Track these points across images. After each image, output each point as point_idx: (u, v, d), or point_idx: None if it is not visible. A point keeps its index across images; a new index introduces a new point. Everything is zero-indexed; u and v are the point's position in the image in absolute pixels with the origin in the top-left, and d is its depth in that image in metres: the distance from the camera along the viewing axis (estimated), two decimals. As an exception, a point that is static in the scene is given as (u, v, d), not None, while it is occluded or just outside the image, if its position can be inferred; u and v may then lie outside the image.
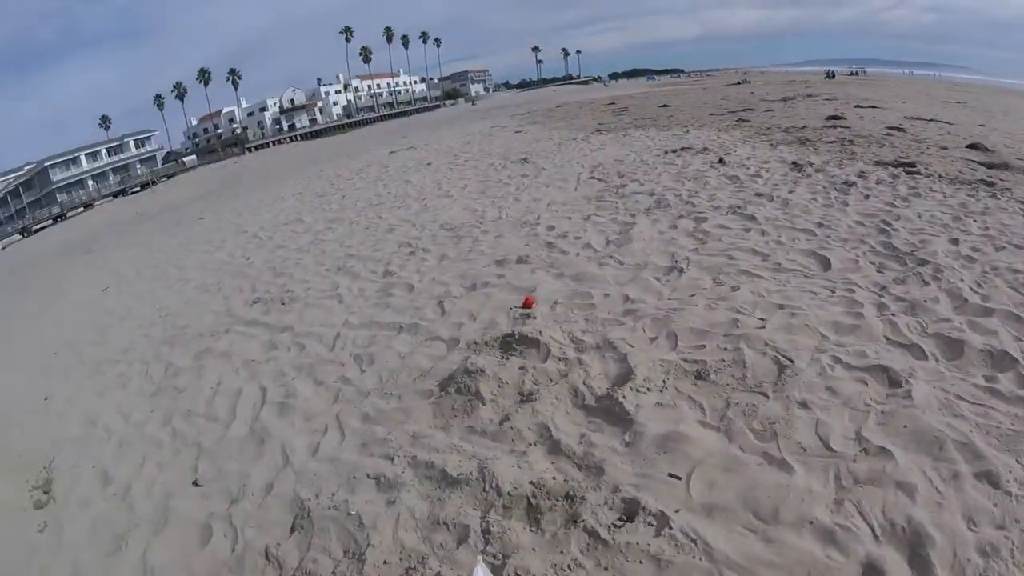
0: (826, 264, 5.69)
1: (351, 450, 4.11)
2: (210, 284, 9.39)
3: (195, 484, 4.09)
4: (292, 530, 3.46)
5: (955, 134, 13.69)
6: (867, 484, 3.13)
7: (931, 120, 16.36)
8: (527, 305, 5.65)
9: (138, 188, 58.60)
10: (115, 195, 57.65)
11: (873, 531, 2.90)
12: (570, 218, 8.60)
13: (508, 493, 3.37)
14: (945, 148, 11.70)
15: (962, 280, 5.11)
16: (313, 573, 3.13)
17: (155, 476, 4.25)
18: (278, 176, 28.39)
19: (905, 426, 3.45)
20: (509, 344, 4.88)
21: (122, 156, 75.48)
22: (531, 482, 3.42)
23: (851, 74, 58.72)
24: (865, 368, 4.01)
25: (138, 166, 74.02)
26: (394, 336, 5.69)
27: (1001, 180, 8.79)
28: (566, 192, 10.42)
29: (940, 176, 8.94)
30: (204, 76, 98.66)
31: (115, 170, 71.89)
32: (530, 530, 3.16)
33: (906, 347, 4.24)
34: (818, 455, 3.37)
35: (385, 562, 3.09)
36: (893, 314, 4.65)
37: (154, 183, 58.65)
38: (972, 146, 11.74)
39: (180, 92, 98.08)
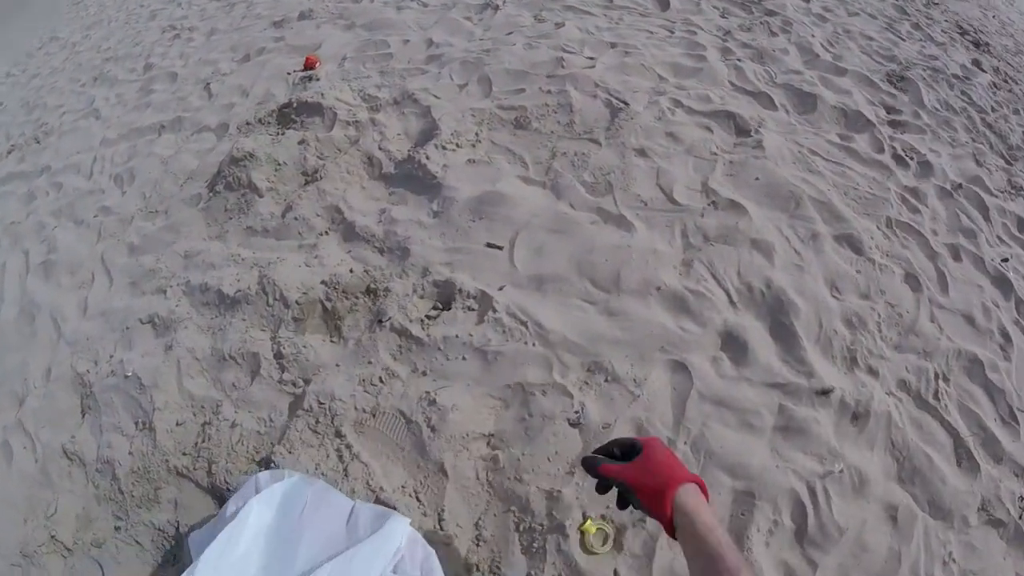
0: (664, 4, 5.09)
1: (121, 294, 3.31)
2: (-36, 157, 7.44)
3: None
4: (83, 414, 2.77)
5: None
6: (718, 242, 2.76)
7: None
8: (309, 66, 4.69)
9: None
10: None
11: (729, 296, 2.56)
12: (366, -38, 7.30)
13: (297, 302, 2.76)
14: None
15: (813, 36, 4.79)
16: (112, 460, 2.49)
17: (-48, 418, 3.25)
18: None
19: (757, 178, 3.09)
20: (287, 116, 3.98)
21: None
22: (323, 282, 2.81)
23: None
24: (710, 113, 3.56)
25: None
26: (155, 139, 4.66)
27: None
28: (361, -66, 8.92)
29: None
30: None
31: None
32: (330, 341, 2.65)
33: (753, 95, 3.85)
34: (661, 209, 2.93)
35: (178, 423, 2.53)
36: (739, 59, 4.21)
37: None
38: None
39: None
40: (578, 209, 2.94)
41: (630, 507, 1.26)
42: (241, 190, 3.50)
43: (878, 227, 3.00)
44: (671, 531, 1.15)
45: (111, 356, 2.92)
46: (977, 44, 6.35)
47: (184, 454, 2.38)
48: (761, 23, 4.86)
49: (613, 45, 4.26)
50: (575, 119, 3.47)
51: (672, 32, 4.55)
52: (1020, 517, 2.19)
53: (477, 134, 3.47)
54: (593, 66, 3.94)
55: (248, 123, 4.13)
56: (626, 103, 3.53)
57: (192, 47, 6.41)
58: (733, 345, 2.37)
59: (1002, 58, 6.32)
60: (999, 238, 3.29)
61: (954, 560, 2.04)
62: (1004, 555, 2.11)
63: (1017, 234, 3.39)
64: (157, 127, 4.81)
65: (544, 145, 3.34)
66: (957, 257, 3.04)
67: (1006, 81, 5.55)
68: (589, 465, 1.29)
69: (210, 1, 7.89)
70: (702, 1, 5.13)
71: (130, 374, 2.73)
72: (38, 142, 5.91)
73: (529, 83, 3.83)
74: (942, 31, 6.17)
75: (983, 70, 5.50)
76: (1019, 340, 2.74)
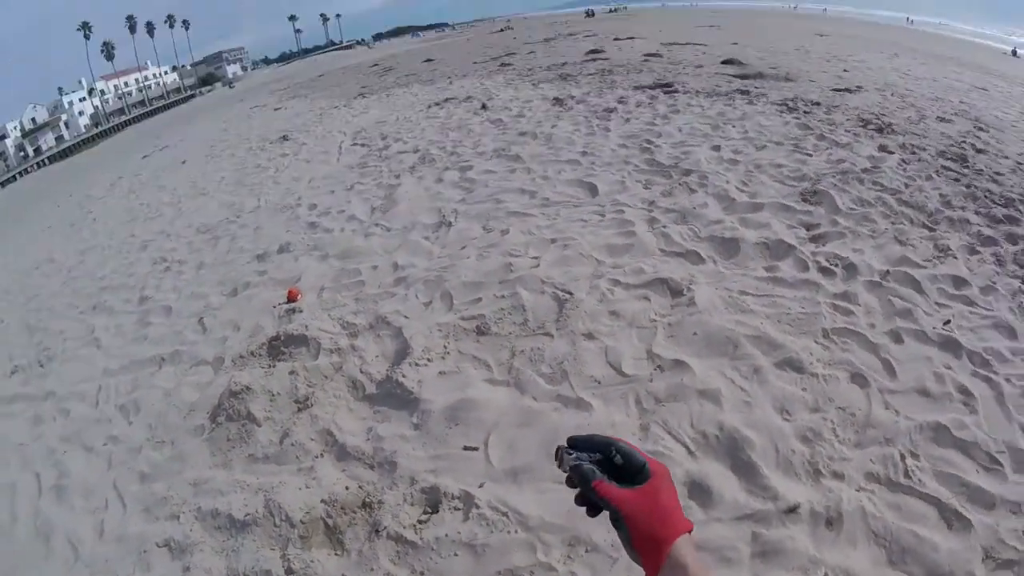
0: (594, 190, 5.72)
1: (136, 520, 3.55)
2: (-33, 369, 7.94)
3: None
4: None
5: (710, 53, 15.00)
6: (669, 401, 3.07)
7: (687, 44, 17.78)
8: (291, 298, 5.20)
9: None
10: None
11: (687, 448, 2.83)
12: (333, 192, 8.18)
13: (301, 521, 3.01)
14: (701, 67, 12.71)
15: (727, 182, 5.34)
16: None
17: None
18: (25, 214, 25.13)
19: (695, 333, 3.45)
20: (276, 348, 4.43)
21: None
22: (323, 501, 3.08)
23: (611, 11, 62.23)
24: (645, 284, 4.00)
25: None
26: (156, 372, 5.06)
27: (756, 88, 9.68)
28: (328, 165, 9.98)
29: (697, 92, 9.58)
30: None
31: None
32: (335, 554, 2.85)
33: (682, 255, 4.31)
34: (614, 384, 3.27)
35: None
36: (664, 226, 4.71)
37: None
38: (727, 62, 12.96)
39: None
40: (540, 400, 3.27)
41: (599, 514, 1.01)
42: (241, 420, 3.83)
43: (815, 341, 3.29)
44: None
45: (131, 577, 3.12)
46: (880, 129, 6.93)
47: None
48: (680, 184, 5.41)
49: (553, 240, 4.79)
50: (528, 317, 3.90)
51: (603, 216, 5.10)
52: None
53: (445, 347, 3.87)
54: (538, 265, 4.45)
55: (242, 356, 4.52)
56: (570, 293, 3.99)
57: (183, 280, 6.90)
58: (699, 491, 2.61)
59: (906, 131, 6.89)
60: (937, 304, 3.58)
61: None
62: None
63: (955, 292, 3.68)
64: (157, 360, 5.17)
65: (504, 346, 3.74)
66: (899, 340, 3.29)
67: (914, 152, 6.02)
68: (581, 474, 0.98)
69: (197, 233, 8.55)
70: (626, 178, 5.77)
71: (151, 597, 2.91)
72: (41, 366, 6.23)
73: (484, 291, 4.31)
74: (845, 131, 6.77)
75: (890, 151, 5.97)
76: (980, 390, 2.94)
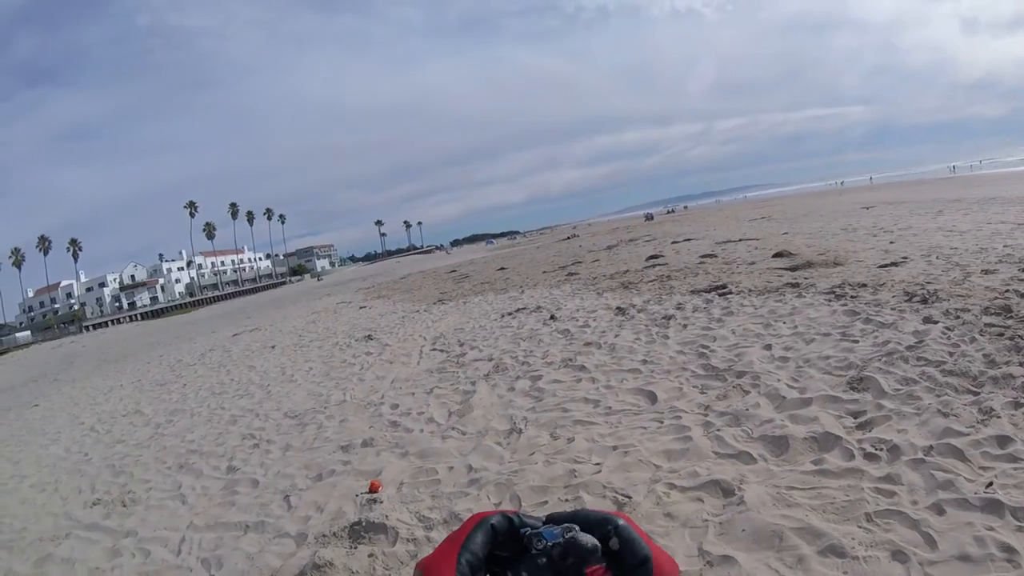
0: (653, 398, 6.16)
1: None
2: (46, 482, 8.60)
3: None
4: None
5: (762, 247, 15.85)
6: None
7: (740, 240, 18.81)
8: (373, 489, 5.61)
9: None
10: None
11: None
12: (413, 394, 8.74)
13: None
14: (753, 263, 13.47)
15: (779, 380, 5.71)
16: None
17: None
18: (117, 360, 27.19)
19: (743, 530, 3.71)
20: (357, 532, 4.81)
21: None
22: None
23: (668, 212, 65.17)
24: (698, 487, 4.30)
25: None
26: (241, 536, 5.46)
27: (805, 279, 10.21)
28: (409, 367, 10.65)
29: (750, 291, 10.22)
30: (44, 244, 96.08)
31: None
32: None
33: (734, 456, 4.63)
34: None
35: None
36: (718, 429, 5.07)
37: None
38: (777, 255, 13.63)
39: (18, 260, 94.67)
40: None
41: None
42: (324, 593, 4.16)
43: (858, 526, 3.45)
44: None
45: None
46: (925, 299, 7.17)
47: None
48: (734, 387, 5.81)
49: (615, 448, 5.20)
50: (589, 520, 4.26)
51: (662, 422, 5.51)
52: None
53: (511, 544, 4.25)
54: (600, 471, 4.83)
55: (324, 535, 4.88)
56: (629, 496, 4.35)
57: (271, 459, 7.37)
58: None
59: (951, 295, 7.13)
60: (981, 468, 3.69)
61: None
62: None
63: (999, 452, 3.80)
64: (242, 526, 5.58)
65: (564, 549, 4.09)
66: (940, 512, 3.39)
67: (958, 317, 6.22)
68: (576, 549, 0.76)
69: (285, 417, 9.14)
70: (683, 385, 6.23)
71: None
72: (124, 506, 6.74)
73: (550, 495, 4.70)
74: (891, 309, 7.08)
75: (935, 321, 6.20)
76: (1024, 543, 3.00)
